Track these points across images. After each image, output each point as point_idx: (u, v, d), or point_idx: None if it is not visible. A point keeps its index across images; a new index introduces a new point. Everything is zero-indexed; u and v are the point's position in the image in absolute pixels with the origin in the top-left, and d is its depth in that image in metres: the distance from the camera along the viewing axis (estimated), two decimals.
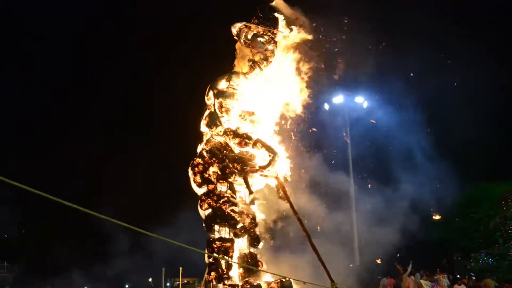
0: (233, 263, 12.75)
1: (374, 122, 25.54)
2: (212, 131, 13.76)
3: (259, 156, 13.55)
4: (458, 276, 22.10)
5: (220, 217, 13.09)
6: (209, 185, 13.47)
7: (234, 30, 14.63)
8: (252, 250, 13.44)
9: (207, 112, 14.15)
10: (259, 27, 14.36)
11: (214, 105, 13.86)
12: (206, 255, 12.89)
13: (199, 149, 13.96)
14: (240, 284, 12.65)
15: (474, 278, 21.08)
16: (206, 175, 13.54)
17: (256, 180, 13.70)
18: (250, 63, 14.34)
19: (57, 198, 4.34)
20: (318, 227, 16.68)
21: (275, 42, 14.44)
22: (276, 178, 13.57)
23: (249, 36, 14.39)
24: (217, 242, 12.90)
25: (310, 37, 14.99)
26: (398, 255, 22.48)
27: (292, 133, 15.35)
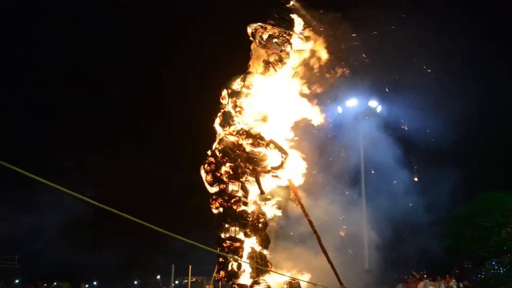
0: (242, 263, 12.77)
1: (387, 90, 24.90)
2: (225, 131, 13.78)
3: (272, 157, 13.55)
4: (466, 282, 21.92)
5: (231, 216, 13.11)
6: (221, 185, 13.49)
7: (250, 30, 14.60)
8: (262, 250, 13.44)
9: (221, 112, 14.17)
10: (275, 28, 14.33)
11: (228, 104, 13.88)
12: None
13: (212, 148, 13.99)
14: (249, 283, 12.68)
15: None
16: (218, 174, 13.57)
17: (268, 181, 13.70)
18: (265, 63, 14.31)
19: (70, 191, 4.38)
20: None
21: (291, 44, 14.41)
22: (289, 180, 13.58)
23: (265, 37, 14.37)
24: (227, 241, 12.93)
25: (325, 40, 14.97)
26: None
27: (306, 135, 15.32)
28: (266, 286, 12.68)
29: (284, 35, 14.34)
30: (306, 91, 15.00)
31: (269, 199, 14.02)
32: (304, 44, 14.93)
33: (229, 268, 12.72)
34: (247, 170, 13.42)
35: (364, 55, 17.42)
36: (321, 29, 15.04)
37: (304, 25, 14.84)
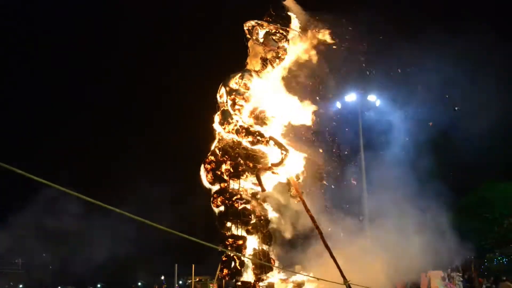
0: (245, 260, 12.79)
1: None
2: (224, 129, 13.77)
3: (271, 154, 13.53)
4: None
5: (233, 214, 13.13)
6: (222, 183, 13.51)
7: (246, 28, 14.56)
8: (264, 247, 13.45)
9: (219, 110, 14.14)
10: (271, 25, 14.29)
11: (226, 102, 13.86)
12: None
13: (212, 147, 13.99)
14: (252, 281, 12.69)
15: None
16: (219, 173, 13.58)
17: (268, 178, 13.68)
18: (262, 61, 14.28)
19: (76, 192, 4.37)
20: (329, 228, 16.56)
21: (288, 40, 14.37)
22: (290, 178, 13.56)
23: (262, 34, 14.35)
24: (229, 239, 12.96)
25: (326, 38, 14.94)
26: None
27: (305, 131, 15.27)
28: (269, 283, 12.71)
29: (281, 31, 14.31)
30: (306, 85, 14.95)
31: (270, 196, 14.03)
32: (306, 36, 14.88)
33: (232, 266, 12.75)
34: (248, 168, 13.42)
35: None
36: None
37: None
